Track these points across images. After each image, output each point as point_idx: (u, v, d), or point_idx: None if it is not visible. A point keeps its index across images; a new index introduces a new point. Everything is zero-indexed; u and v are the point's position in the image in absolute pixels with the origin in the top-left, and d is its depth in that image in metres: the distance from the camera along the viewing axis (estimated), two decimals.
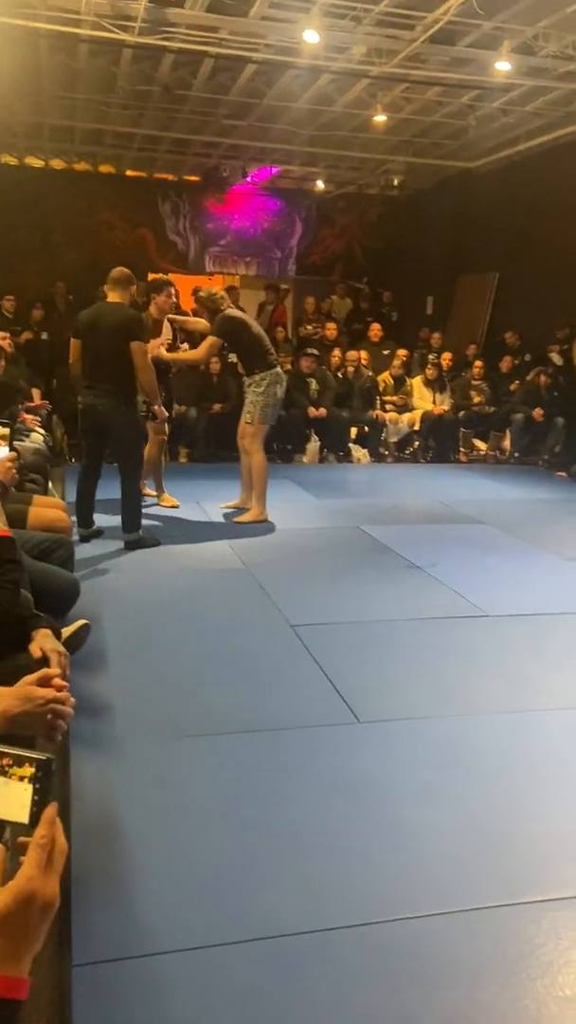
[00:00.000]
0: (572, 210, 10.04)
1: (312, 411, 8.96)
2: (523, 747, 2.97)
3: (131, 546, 5.33)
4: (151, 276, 6.00)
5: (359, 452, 9.45)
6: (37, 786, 1.00)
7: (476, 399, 9.75)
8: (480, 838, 2.42)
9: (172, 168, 13.26)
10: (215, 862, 2.27)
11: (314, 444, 9.24)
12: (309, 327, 11.38)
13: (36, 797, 1.00)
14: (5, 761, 1.01)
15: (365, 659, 3.71)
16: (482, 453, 9.96)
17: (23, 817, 1.00)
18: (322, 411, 8.99)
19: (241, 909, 2.08)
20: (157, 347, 5.89)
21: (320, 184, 13.57)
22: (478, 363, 10.00)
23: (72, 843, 2.18)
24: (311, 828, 2.44)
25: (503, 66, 7.80)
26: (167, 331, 6.43)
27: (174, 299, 6.29)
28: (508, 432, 9.66)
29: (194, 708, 3.17)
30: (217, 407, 8.76)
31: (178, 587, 4.67)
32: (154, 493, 6.74)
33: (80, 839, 2.26)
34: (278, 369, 6.13)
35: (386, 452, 9.58)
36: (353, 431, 9.50)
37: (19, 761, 1.01)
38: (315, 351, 9.41)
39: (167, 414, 5.94)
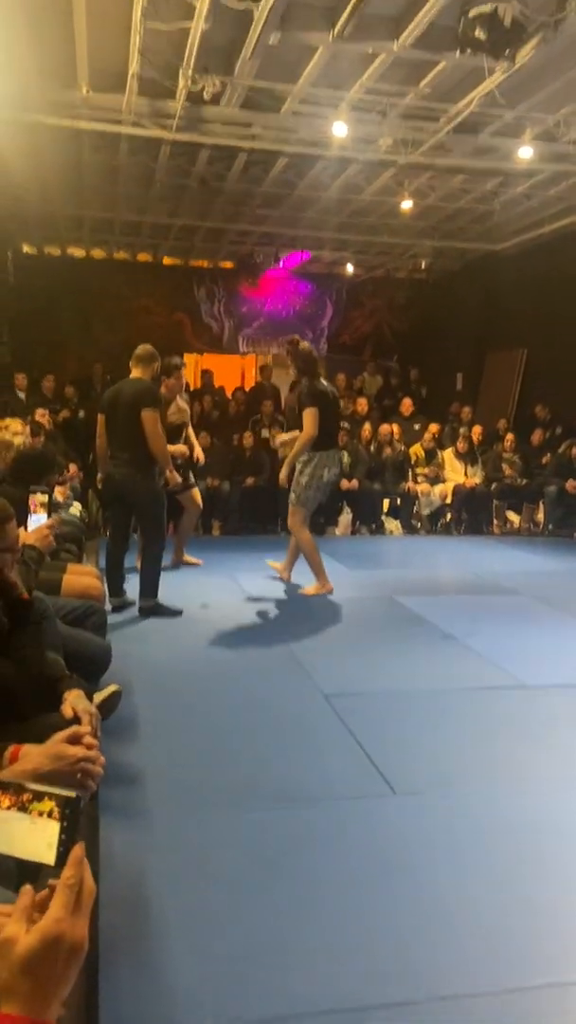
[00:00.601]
0: None
1: (344, 483, 9.01)
2: (566, 821, 2.85)
3: (146, 612, 5.34)
4: (167, 359, 6.25)
5: (392, 524, 9.45)
6: (64, 824, 0.98)
7: (508, 472, 9.75)
8: (523, 915, 2.31)
9: (207, 255, 13.78)
10: (246, 937, 2.18)
11: (346, 516, 9.27)
12: (341, 402, 11.54)
13: (63, 836, 0.98)
14: (26, 797, 0.99)
15: (401, 730, 3.62)
16: (515, 526, 9.89)
17: (49, 858, 0.98)
18: (354, 483, 9.04)
19: (271, 987, 1.99)
20: (280, 438, 6.25)
21: (350, 268, 13.99)
22: (509, 436, 10.05)
23: (100, 913, 2.13)
24: (345, 904, 2.35)
25: (526, 152, 8.08)
26: (180, 410, 6.60)
27: (184, 381, 6.45)
28: (541, 504, 9.62)
29: (226, 778, 3.11)
30: (250, 480, 8.86)
31: (210, 656, 4.64)
32: (198, 561, 6.97)
33: (108, 909, 2.20)
34: (333, 451, 6.01)
35: (419, 524, 9.56)
36: (386, 504, 9.52)
37: (39, 796, 1.00)
38: (346, 425, 9.53)
39: (179, 480, 6.01)
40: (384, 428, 9.74)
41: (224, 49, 6.29)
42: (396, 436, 9.81)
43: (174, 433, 6.44)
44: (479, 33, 5.52)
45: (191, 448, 6.85)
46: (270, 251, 12.99)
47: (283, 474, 6.25)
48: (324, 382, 6.17)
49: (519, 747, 3.48)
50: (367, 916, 2.29)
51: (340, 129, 7.52)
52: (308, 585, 6.17)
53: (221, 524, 8.99)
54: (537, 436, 10.36)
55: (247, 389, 12.41)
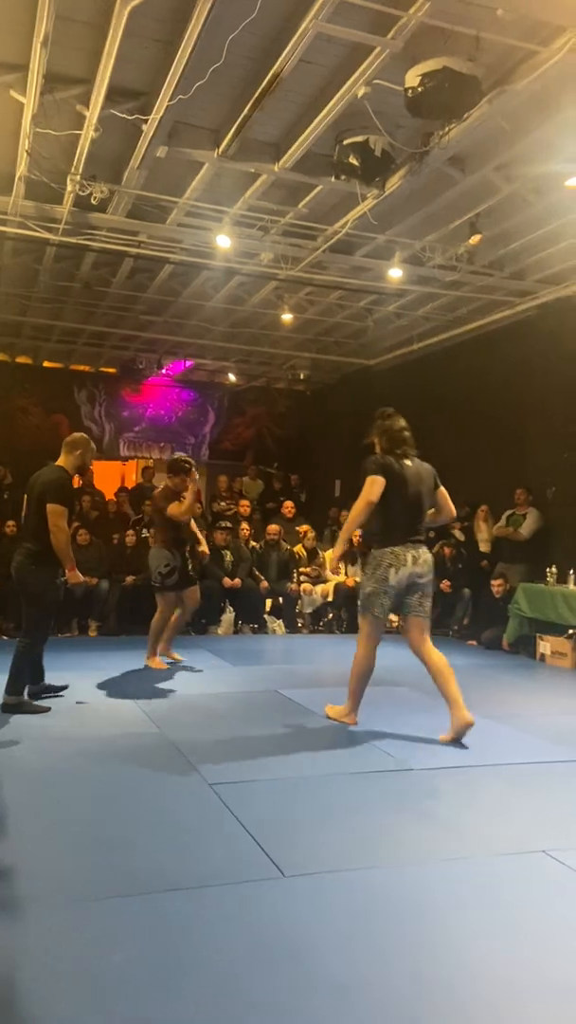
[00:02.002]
0: (462, 404, 10.94)
1: (227, 582, 8.96)
2: (457, 895, 2.79)
3: (8, 709, 5.03)
4: (176, 456, 7.09)
5: (274, 623, 9.40)
6: None
7: None
8: (421, 990, 2.20)
9: (89, 360, 13.87)
10: None
11: (229, 615, 9.16)
12: (223, 503, 11.65)
13: None
14: None
15: (289, 814, 3.49)
16: (395, 624, 10.04)
17: None
18: (236, 582, 9.00)
19: None
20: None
21: (232, 377, 14.41)
22: None
23: None
24: (238, 990, 2.17)
25: (395, 273, 8.73)
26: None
27: (90, 455, 6.29)
28: None
29: (105, 870, 2.87)
30: (129, 579, 8.66)
31: (89, 750, 4.37)
32: (181, 658, 7.06)
33: None
34: (396, 548, 4.76)
35: (301, 623, 9.56)
36: (268, 603, 9.50)
37: None
38: (229, 524, 9.57)
39: (82, 580, 5.74)
40: (272, 528, 9.83)
41: (113, 158, 6.56)
42: (281, 536, 9.93)
43: (181, 527, 6.72)
44: (352, 159, 6.02)
45: (195, 543, 7.05)
46: (153, 357, 13.22)
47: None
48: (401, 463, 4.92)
49: (404, 827, 3.42)
50: (262, 1000, 2.12)
51: (224, 241, 7.90)
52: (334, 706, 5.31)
53: (98, 625, 8.68)
54: None
55: (129, 488, 12.35)
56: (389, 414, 5.09)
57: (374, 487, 4.66)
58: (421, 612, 4.92)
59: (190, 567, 6.94)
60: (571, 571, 7.97)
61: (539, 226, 7.73)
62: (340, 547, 5.02)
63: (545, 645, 8.04)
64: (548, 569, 8.16)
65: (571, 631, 7.77)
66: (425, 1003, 2.15)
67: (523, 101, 5.49)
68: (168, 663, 6.92)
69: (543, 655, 8.03)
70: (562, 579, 8.03)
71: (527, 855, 3.12)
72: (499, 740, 4.89)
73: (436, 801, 3.78)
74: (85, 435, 5.59)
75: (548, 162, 6.35)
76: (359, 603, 5.02)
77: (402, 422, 5.05)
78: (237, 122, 5.88)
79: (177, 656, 7.12)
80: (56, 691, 5.57)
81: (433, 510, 5.09)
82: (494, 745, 4.76)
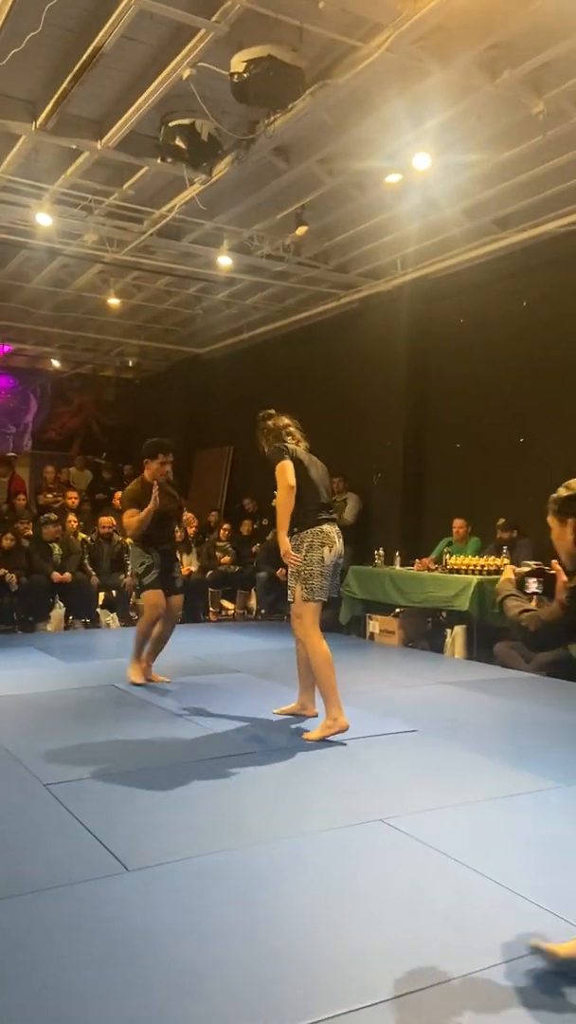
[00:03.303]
0: (290, 393, 11.10)
1: (56, 576, 8.63)
2: (302, 869, 2.85)
3: None
4: (150, 440, 5.95)
5: (108, 617, 9.17)
6: None
7: (223, 559, 10.01)
8: (272, 965, 2.23)
9: None
10: None
11: (59, 611, 8.83)
12: (50, 495, 11.20)
13: None
14: None
15: (132, 808, 3.42)
16: (230, 612, 10.12)
17: None
18: (67, 576, 8.69)
19: None
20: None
21: (55, 363, 13.87)
22: (225, 525, 10.40)
23: None
24: (94, 989, 2.10)
25: (225, 261, 8.73)
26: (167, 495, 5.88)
27: (167, 468, 5.84)
28: (253, 591, 9.96)
29: None
30: None
31: None
32: (166, 680, 5.97)
33: None
34: (323, 527, 4.62)
35: (135, 616, 9.38)
36: (101, 596, 9.24)
37: None
38: (55, 516, 9.22)
39: None
40: (105, 519, 9.55)
41: None
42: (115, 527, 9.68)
43: (161, 522, 5.80)
44: (179, 142, 5.94)
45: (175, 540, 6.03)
46: None
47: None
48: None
49: (247, 809, 3.45)
50: (119, 996, 2.06)
51: (44, 220, 7.57)
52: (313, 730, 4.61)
53: None
54: (246, 526, 10.82)
55: None
56: (270, 415, 5.02)
57: (287, 471, 4.55)
58: (333, 590, 4.75)
59: (176, 572, 6.00)
60: (396, 553, 8.35)
61: (361, 221, 7.99)
62: (285, 540, 4.54)
63: (374, 624, 8.37)
64: (376, 551, 8.49)
65: (398, 610, 8.14)
66: (274, 975, 2.18)
67: (345, 96, 5.64)
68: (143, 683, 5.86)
69: (372, 634, 8.37)
70: (389, 561, 8.39)
71: (365, 825, 3.23)
72: None
73: (278, 781, 3.83)
74: None
75: (369, 158, 6.58)
76: (299, 592, 4.60)
77: (284, 420, 4.98)
78: (56, 95, 5.64)
79: (160, 677, 5.99)
80: None
81: None
82: None
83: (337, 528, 4.74)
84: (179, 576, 6.08)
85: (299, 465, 4.65)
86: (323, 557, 4.56)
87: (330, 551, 4.58)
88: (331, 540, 4.61)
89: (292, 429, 4.95)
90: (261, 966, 2.22)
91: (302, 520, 4.60)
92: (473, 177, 6.83)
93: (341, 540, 4.72)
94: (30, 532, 9.03)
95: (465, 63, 5.21)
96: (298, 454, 4.73)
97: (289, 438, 4.85)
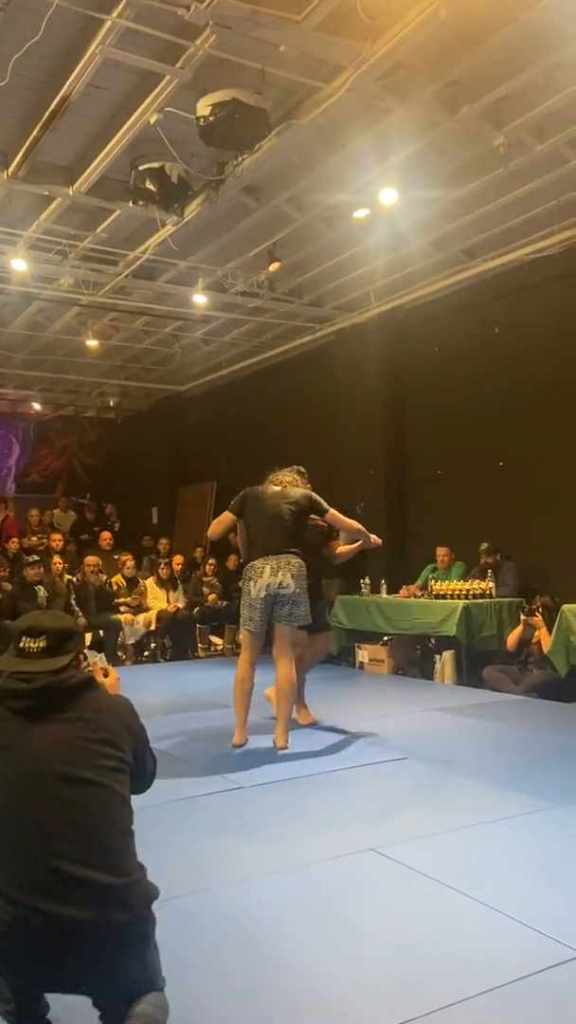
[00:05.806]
0: (271, 426, 11.24)
1: None
2: (288, 904, 2.82)
3: None
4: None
5: (95, 657, 9.08)
6: None
7: (210, 596, 9.99)
8: (253, 1004, 2.19)
9: None
10: None
11: None
12: (34, 538, 11.16)
13: None
14: None
15: None
16: (219, 648, 10.07)
17: None
18: None
19: None
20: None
21: (36, 406, 13.91)
22: (211, 561, 10.39)
23: None
24: None
25: (200, 299, 8.83)
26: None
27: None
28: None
29: None
30: None
31: None
32: (314, 719, 5.68)
33: None
34: (254, 562, 4.98)
35: (124, 656, 9.32)
36: (88, 637, 9.17)
37: None
38: (36, 557, 9.17)
39: None
40: (91, 559, 9.53)
41: None
42: (100, 567, 9.66)
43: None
44: (149, 185, 6.04)
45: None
46: None
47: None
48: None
49: (233, 846, 3.42)
50: None
51: (19, 265, 7.65)
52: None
53: None
54: (232, 561, 10.80)
55: None
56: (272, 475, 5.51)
57: (220, 523, 5.38)
58: (288, 620, 4.99)
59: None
60: (382, 581, 8.36)
61: (332, 255, 8.13)
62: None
63: (363, 653, 8.35)
64: (362, 580, 8.50)
65: (386, 638, 8.13)
66: (256, 1016, 2.14)
67: (310, 135, 5.78)
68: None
69: (362, 663, 8.34)
70: (375, 589, 8.40)
71: (357, 855, 3.20)
72: (326, 747, 5.00)
73: (266, 816, 3.80)
74: None
75: (336, 193, 6.71)
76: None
77: (278, 475, 5.50)
78: (27, 143, 5.74)
79: (310, 718, 5.71)
80: None
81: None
82: (322, 753, 4.86)
83: (278, 562, 4.94)
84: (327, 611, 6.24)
85: (253, 506, 5.17)
86: (248, 590, 4.99)
87: (254, 584, 4.93)
88: (257, 574, 4.93)
89: (272, 475, 5.50)
90: (242, 1007, 2.19)
91: (246, 557, 5.17)
92: (439, 211, 6.98)
93: (281, 574, 4.91)
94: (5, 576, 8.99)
95: (425, 100, 5.35)
96: (260, 494, 5.24)
97: (265, 482, 5.40)
